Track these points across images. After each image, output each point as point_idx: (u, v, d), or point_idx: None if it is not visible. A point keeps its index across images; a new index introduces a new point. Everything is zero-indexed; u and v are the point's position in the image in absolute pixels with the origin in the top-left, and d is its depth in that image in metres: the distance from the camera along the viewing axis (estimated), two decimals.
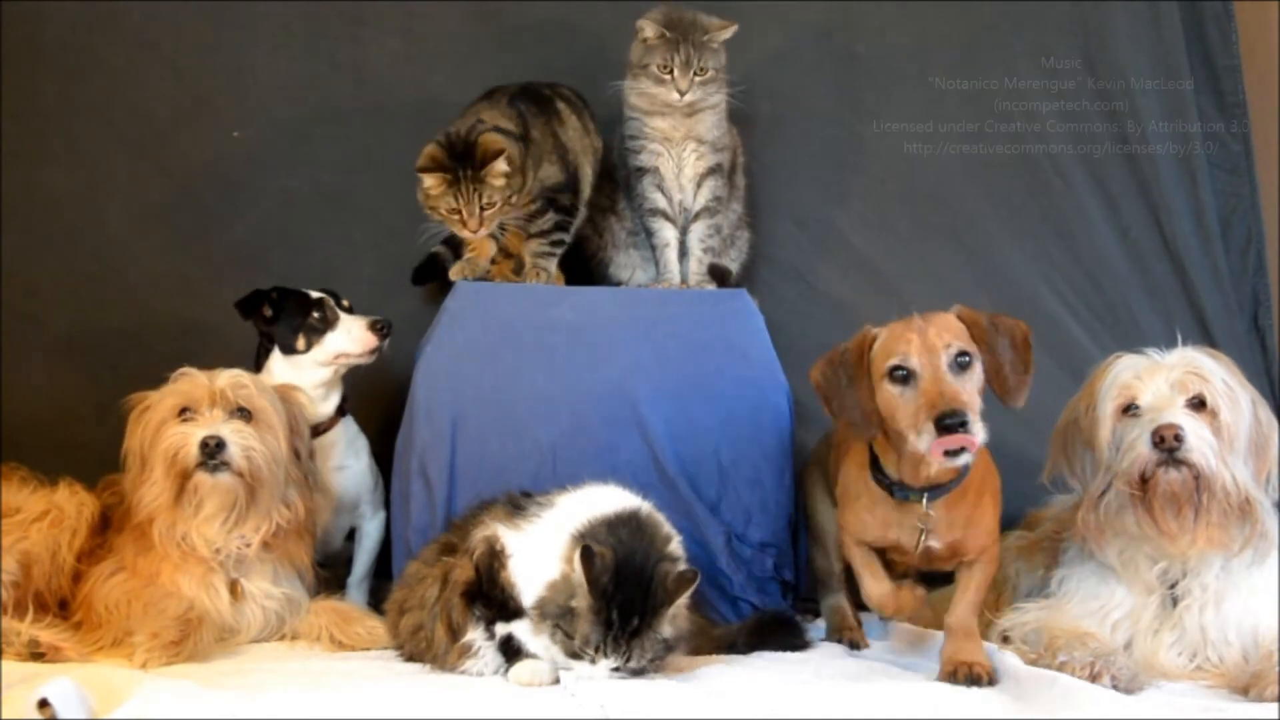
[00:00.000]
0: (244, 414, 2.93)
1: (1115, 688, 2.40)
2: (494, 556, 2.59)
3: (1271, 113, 3.85)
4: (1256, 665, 2.47)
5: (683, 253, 3.47)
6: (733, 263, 3.58)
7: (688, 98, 3.36)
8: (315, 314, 3.24)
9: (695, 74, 3.35)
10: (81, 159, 3.72)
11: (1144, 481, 2.55)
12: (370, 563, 3.35)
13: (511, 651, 2.56)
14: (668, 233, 3.45)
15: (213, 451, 2.85)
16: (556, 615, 2.47)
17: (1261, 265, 3.84)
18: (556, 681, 2.51)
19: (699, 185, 3.44)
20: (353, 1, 3.83)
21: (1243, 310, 3.82)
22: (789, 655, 2.83)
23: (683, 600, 2.51)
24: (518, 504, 2.71)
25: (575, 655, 2.46)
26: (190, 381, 2.94)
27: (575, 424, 3.14)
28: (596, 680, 2.43)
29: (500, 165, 3.19)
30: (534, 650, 2.54)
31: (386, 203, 3.73)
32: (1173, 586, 2.62)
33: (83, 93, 3.76)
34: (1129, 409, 2.62)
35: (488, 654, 2.60)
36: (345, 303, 3.29)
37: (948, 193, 3.78)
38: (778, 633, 2.91)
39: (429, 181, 3.21)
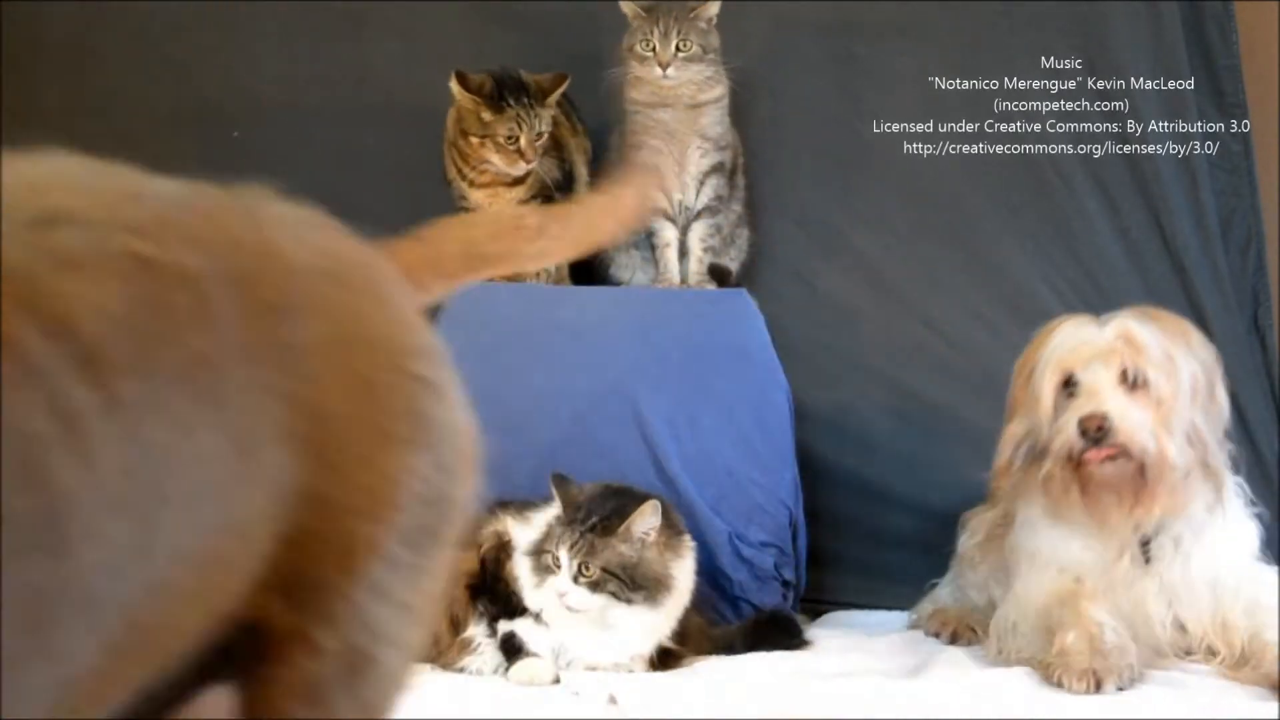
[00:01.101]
0: None
1: (1120, 689, 2.39)
2: (500, 549, 2.63)
3: (1272, 113, 3.84)
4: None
5: (683, 252, 3.47)
6: (732, 262, 3.58)
7: (670, 73, 3.34)
8: None
9: (678, 49, 3.33)
10: (83, 159, 3.72)
11: (1077, 465, 2.52)
12: None
13: (512, 650, 2.58)
14: (668, 232, 3.45)
15: None
16: (540, 544, 2.60)
17: (1261, 265, 3.83)
18: (557, 681, 2.52)
19: (701, 184, 3.44)
20: (354, 2, 3.84)
21: (1243, 310, 3.81)
22: (790, 654, 2.85)
23: (641, 524, 2.61)
24: (530, 503, 2.76)
25: (547, 570, 2.57)
26: None
27: (575, 423, 3.14)
28: (563, 592, 2.55)
29: (563, 87, 3.32)
30: (536, 649, 2.56)
31: (388, 204, 3.73)
32: (1145, 543, 2.60)
33: (83, 93, 3.76)
34: (1067, 383, 2.57)
35: (488, 651, 2.62)
36: None
37: (948, 193, 3.77)
38: (776, 632, 2.93)
39: (482, 108, 3.27)
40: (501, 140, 3.27)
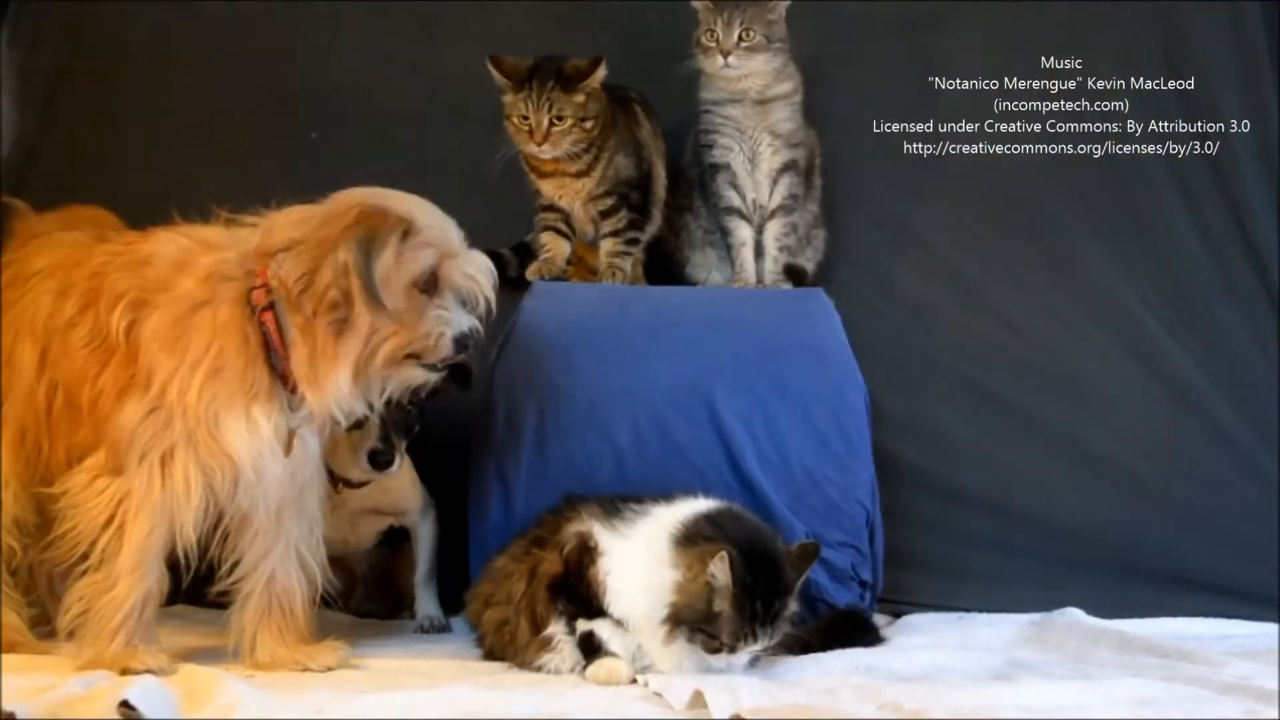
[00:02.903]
0: None
1: None
2: (585, 552, 2.61)
3: None
4: None
5: (758, 252, 3.47)
6: (808, 262, 3.57)
7: (731, 61, 3.34)
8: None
9: (740, 38, 3.33)
10: (162, 161, 3.77)
11: None
12: (432, 559, 3.36)
13: (591, 649, 2.58)
14: (743, 231, 3.45)
15: None
16: (697, 620, 2.49)
17: None
18: (633, 681, 2.52)
19: (775, 182, 3.44)
20: (429, 2, 3.86)
21: None
22: (865, 651, 2.84)
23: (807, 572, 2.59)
24: (614, 506, 2.73)
25: (715, 650, 2.50)
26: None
27: (652, 423, 3.13)
28: (733, 670, 2.50)
29: (599, 72, 3.31)
30: (614, 649, 2.56)
31: (464, 204, 3.72)
32: None
33: (163, 95, 3.81)
34: None
35: (566, 649, 2.62)
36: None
37: (1026, 192, 3.75)
38: (851, 631, 2.93)
39: (507, 90, 3.33)
40: (517, 121, 3.31)
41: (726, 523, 2.58)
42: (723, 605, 2.47)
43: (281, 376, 2.56)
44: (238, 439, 2.54)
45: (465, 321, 2.59)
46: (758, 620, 2.48)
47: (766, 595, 2.49)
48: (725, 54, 3.34)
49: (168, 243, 2.65)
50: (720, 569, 2.45)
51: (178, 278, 2.58)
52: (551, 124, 3.28)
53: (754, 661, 2.56)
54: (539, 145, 3.29)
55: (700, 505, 2.66)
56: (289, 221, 2.57)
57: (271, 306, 2.53)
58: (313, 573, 2.75)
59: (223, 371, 2.53)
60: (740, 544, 2.50)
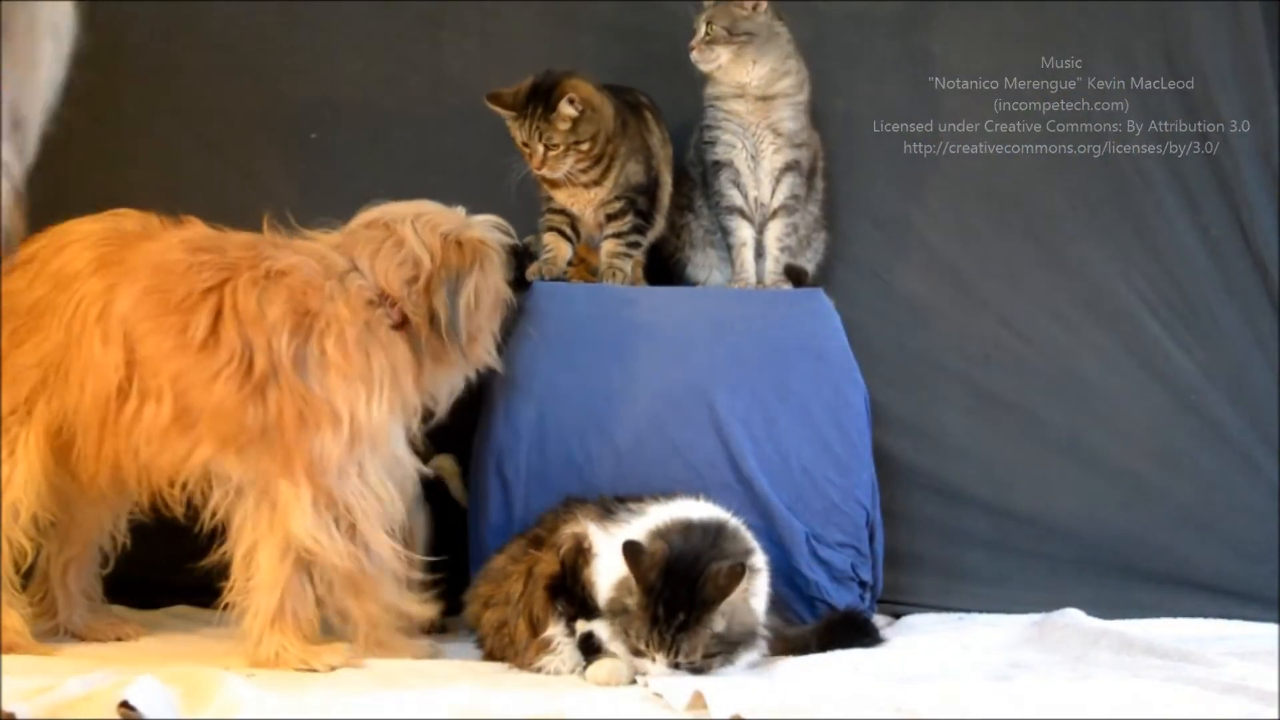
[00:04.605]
0: None
1: None
2: (580, 553, 2.62)
3: None
4: None
5: (759, 253, 3.47)
6: (809, 264, 3.56)
7: (694, 55, 3.39)
8: None
9: (706, 32, 3.37)
10: (161, 160, 3.75)
11: None
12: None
13: (591, 649, 2.58)
14: (745, 231, 3.44)
15: None
16: (620, 613, 2.51)
17: None
18: (633, 682, 2.52)
19: (777, 181, 3.43)
20: (430, 3, 3.85)
21: None
22: (865, 651, 2.84)
23: (736, 595, 2.49)
24: (609, 507, 2.74)
25: (638, 653, 2.49)
26: None
27: (652, 423, 3.14)
28: (660, 677, 2.45)
29: (565, 109, 3.27)
30: (614, 650, 2.55)
31: (464, 205, 3.74)
32: None
33: (163, 95, 3.79)
34: None
35: (566, 650, 2.62)
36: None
37: (1026, 191, 3.75)
38: (850, 632, 2.92)
39: (510, 118, 3.34)
40: (520, 145, 3.33)
41: (696, 535, 2.57)
42: (632, 603, 2.48)
43: None
44: (403, 449, 2.81)
45: None
46: (660, 625, 2.45)
47: (673, 603, 2.45)
48: (691, 47, 3.40)
49: (298, 262, 2.82)
50: (625, 562, 2.48)
51: (331, 305, 2.76)
52: (546, 150, 3.28)
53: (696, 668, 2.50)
54: (539, 169, 3.30)
55: (693, 510, 2.67)
56: (396, 263, 2.89)
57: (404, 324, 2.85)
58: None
59: (393, 387, 2.79)
60: (674, 551, 2.50)
